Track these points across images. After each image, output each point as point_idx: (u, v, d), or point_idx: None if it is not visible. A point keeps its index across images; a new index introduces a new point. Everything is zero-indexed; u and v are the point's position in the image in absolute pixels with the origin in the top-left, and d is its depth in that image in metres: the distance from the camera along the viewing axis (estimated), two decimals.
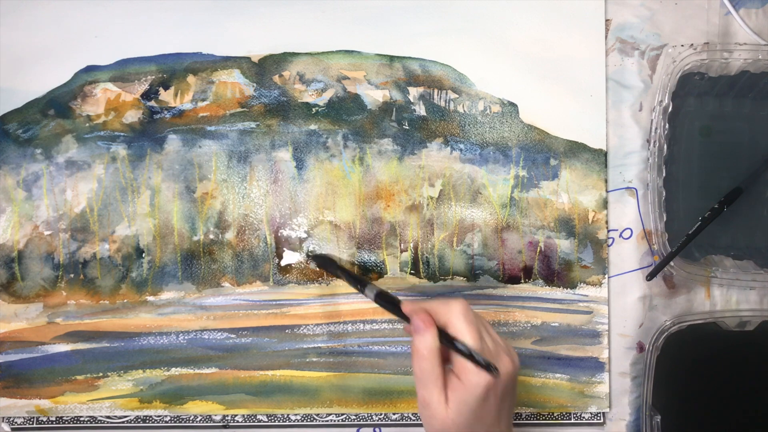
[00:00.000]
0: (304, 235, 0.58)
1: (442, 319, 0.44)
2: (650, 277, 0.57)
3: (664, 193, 0.55)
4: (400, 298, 0.47)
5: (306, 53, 0.58)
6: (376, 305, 0.48)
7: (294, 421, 0.58)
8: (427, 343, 0.43)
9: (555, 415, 0.58)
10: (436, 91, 0.58)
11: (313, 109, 0.58)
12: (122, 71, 0.58)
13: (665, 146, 0.55)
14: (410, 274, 0.58)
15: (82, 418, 0.58)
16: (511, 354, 0.45)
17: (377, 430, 0.58)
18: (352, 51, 0.58)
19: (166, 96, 0.58)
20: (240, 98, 0.58)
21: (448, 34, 0.58)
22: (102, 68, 0.58)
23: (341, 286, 0.57)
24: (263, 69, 0.58)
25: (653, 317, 0.57)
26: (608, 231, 0.58)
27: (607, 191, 0.58)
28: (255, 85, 0.58)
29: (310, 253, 0.57)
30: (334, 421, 0.58)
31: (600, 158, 0.58)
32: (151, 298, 0.57)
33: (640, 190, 0.58)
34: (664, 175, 0.55)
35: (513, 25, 0.58)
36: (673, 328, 0.55)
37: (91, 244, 0.58)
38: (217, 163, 0.58)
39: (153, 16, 0.58)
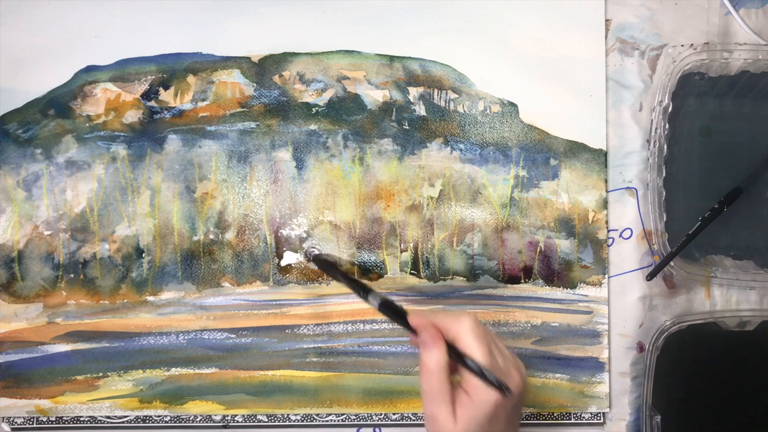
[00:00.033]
0: (304, 235, 0.58)
1: (451, 333, 0.44)
2: (650, 277, 0.57)
3: (664, 193, 0.55)
4: (404, 307, 0.46)
5: (306, 53, 0.58)
6: None
7: (294, 421, 0.58)
8: (435, 359, 0.42)
9: (555, 415, 0.58)
10: (436, 91, 0.58)
11: (313, 109, 0.58)
12: (122, 71, 0.58)
13: (665, 146, 0.55)
14: (410, 274, 0.58)
15: (82, 418, 0.58)
16: (519, 368, 0.45)
17: (377, 430, 0.58)
18: (352, 51, 0.58)
19: (166, 96, 0.58)
20: (240, 98, 0.58)
21: (448, 34, 0.58)
22: (102, 68, 0.58)
23: (341, 286, 0.57)
24: (263, 69, 0.58)
25: (653, 317, 0.57)
26: (608, 231, 0.58)
27: (607, 191, 0.58)
28: (255, 85, 0.58)
29: (311, 255, 0.57)
30: (334, 421, 0.58)
31: (600, 158, 0.57)
32: (151, 298, 0.57)
33: (640, 190, 0.58)
34: (664, 175, 0.55)
35: (513, 25, 0.58)
36: (673, 328, 0.55)
37: (91, 244, 0.57)
38: (217, 163, 0.58)
39: (153, 16, 0.58)
